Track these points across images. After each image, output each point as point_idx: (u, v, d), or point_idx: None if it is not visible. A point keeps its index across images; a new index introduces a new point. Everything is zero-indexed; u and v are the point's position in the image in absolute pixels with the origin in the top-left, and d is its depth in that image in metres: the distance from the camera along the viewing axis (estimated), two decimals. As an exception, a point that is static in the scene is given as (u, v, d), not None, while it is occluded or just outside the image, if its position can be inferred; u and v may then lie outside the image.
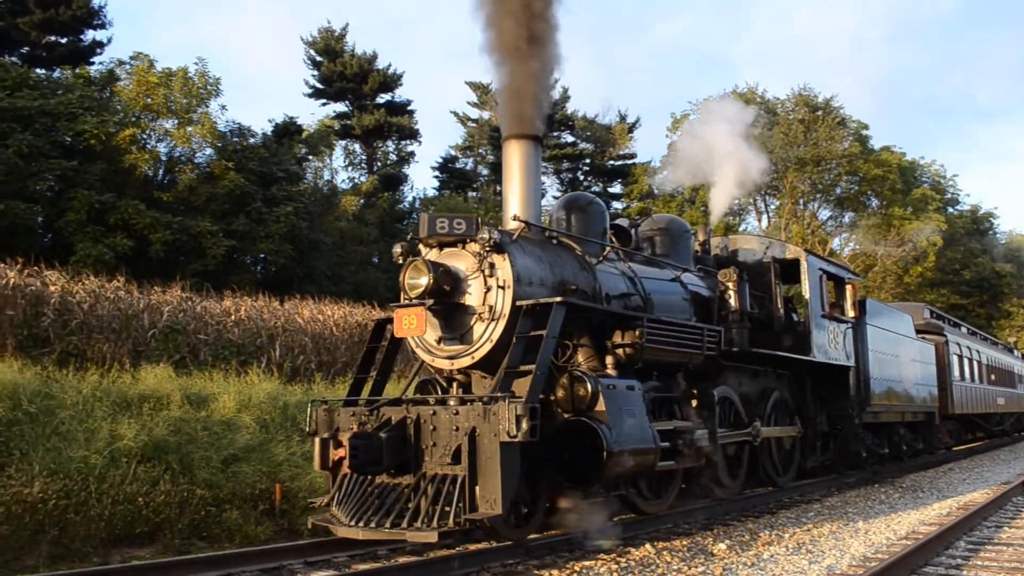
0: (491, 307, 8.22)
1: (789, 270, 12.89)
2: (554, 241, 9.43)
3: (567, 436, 8.12)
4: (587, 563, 7.86)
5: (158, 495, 9.34)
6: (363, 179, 36.12)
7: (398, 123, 34.34)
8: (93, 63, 30.12)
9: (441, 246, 8.61)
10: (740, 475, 10.97)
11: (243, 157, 28.36)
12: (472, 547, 8.38)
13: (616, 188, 39.90)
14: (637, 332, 8.74)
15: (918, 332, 18.87)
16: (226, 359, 16.93)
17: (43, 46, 29.32)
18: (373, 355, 9.16)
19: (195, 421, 11.32)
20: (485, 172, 37.44)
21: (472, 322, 8.32)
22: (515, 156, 9.19)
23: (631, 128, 42.15)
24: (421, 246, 8.72)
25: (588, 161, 40.23)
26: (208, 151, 29.40)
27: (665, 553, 8.31)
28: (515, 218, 8.83)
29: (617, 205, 37.53)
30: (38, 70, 27.84)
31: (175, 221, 25.16)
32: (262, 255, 28.88)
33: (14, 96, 24.17)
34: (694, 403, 10.01)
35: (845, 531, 9.77)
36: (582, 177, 40.12)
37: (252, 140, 30.10)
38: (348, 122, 35.63)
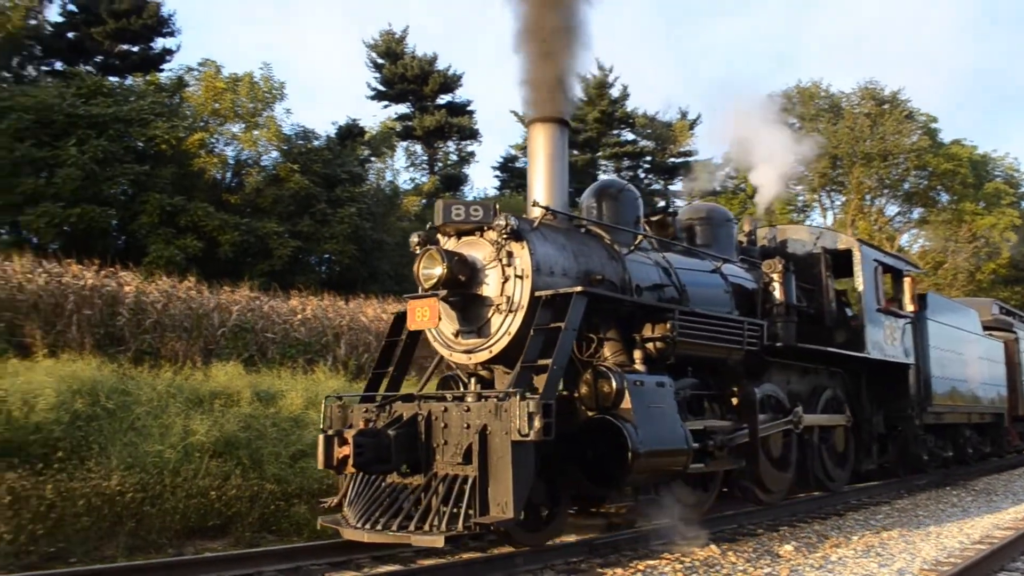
0: (509, 298, 7.57)
1: (841, 262, 11.92)
2: (582, 230, 8.73)
3: (590, 435, 7.44)
4: (651, 562, 7.55)
5: (229, 489, 9.34)
6: (424, 179, 35.75)
7: (458, 123, 33.91)
8: (163, 70, 30.33)
9: (459, 235, 7.99)
10: (786, 478, 10.08)
11: (308, 159, 28.22)
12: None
13: (677, 185, 38.99)
14: (668, 325, 7.99)
15: (985, 329, 17.57)
16: (293, 357, 16.94)
17: (116, 55, 29.56)
18: (392, 350, 8.57)
19: (264, 417, 11.28)
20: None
21: (490, 314, 7.67)
22: (540, 140, 8.52)
23: (692, 125, 41.12)
24: (439, 235, 8.10)
25: (649, 159, 39.26)
26: (274, 154, 29.35)
27: (730, 554, 7.89)
28: (535, 204, 8.15)
29: (679, 203, 36.70)
30: (111, 78, 28.08)
31: (243, 223, 25.17)
32: (326, 255, 28.68)
33: (89, 104, 24.41)
34: (734, 401, 9.20)
35: (915, 534, 9.23)
36: (643, 175, 39.20)
37: (316, 143, 29.97)
38: (409, 123, 35.32)
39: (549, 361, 6.95)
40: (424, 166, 37.43)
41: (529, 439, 6.52)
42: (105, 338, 14.70)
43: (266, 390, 12.68)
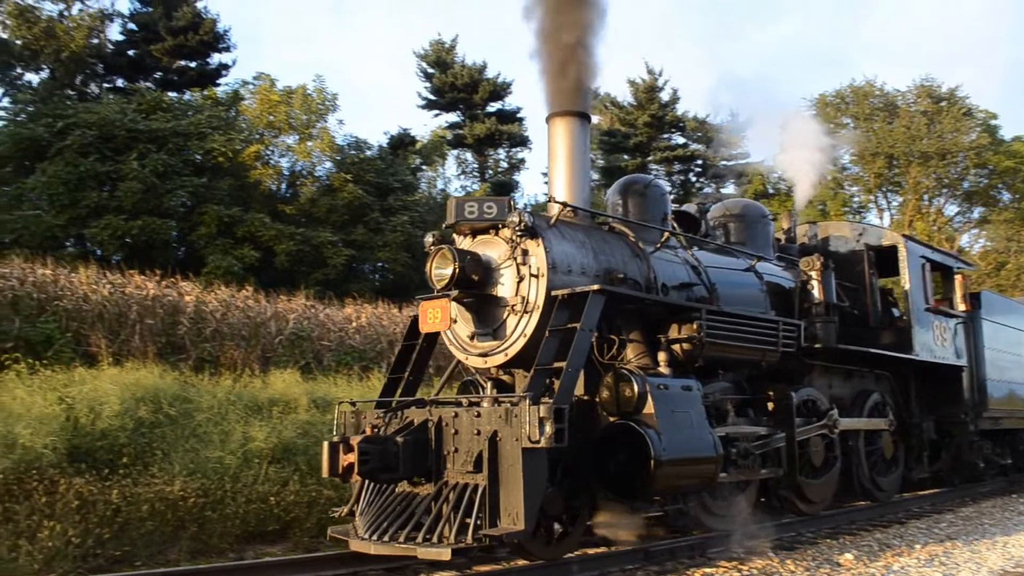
0: (524, 298, 7.08)
1: (886, 259, 11.15)
2: (605, 227, 8.22)
3: (611, 442, 6.92)
4: (708, 570, 7.28)
5: (288, 495, 9.25)
6: (475, 187, 35.44)
7: (508, 131, 33.54)
8: (219, 84, 30.54)
9: (474, 233, 7.52)
10: (828, 488, 9.38)
11: (361, 169, 28.17)
12: (592, 551, 7.76)
13: (729, 188, 38.00)
14: (695, 325, 7.43)
15: (1049, 329, 16.48)
16: (348, 364, 16.91)
17: (174, 71, 29.82)
18: (409, 354, 8.13)
19: (321, 424, 11.13)
20: (596, 176, 36.12)
21: (505, 315, 7.20)
22: (560, 135, 8.03)
23: (742, 128, 40.01)
24: (455, 235, 7.66)
25: (700, 162, 38.39)
26: (327, 164, 29.38)
27: (789, 562, 7.55)
28: (551, 200, 7.66)
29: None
30: (170, 93, 28.32)
31: (298, 232, 25.18)
32: (380, 263, 28.58)
33: (150, 119, 24.66)
34: (770, 406, 8.57)
35: (981, 543, 8.71)
36: (694, 179, 38.37)
37: (369, 153, 29.89)
38: (460, 131, 35.05)
39: (564, 364, 6.45)
40: (475, 174, 37.13)
41: (540, 446, 6.02)
42: (167, 347, 14.82)
43: (322, 397, 12.58)
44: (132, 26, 29.94)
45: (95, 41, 28.29)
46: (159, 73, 29.89)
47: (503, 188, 34.17)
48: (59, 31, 27.37)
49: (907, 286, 10.89)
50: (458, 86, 34.12)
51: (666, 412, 6.92)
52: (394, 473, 6.62)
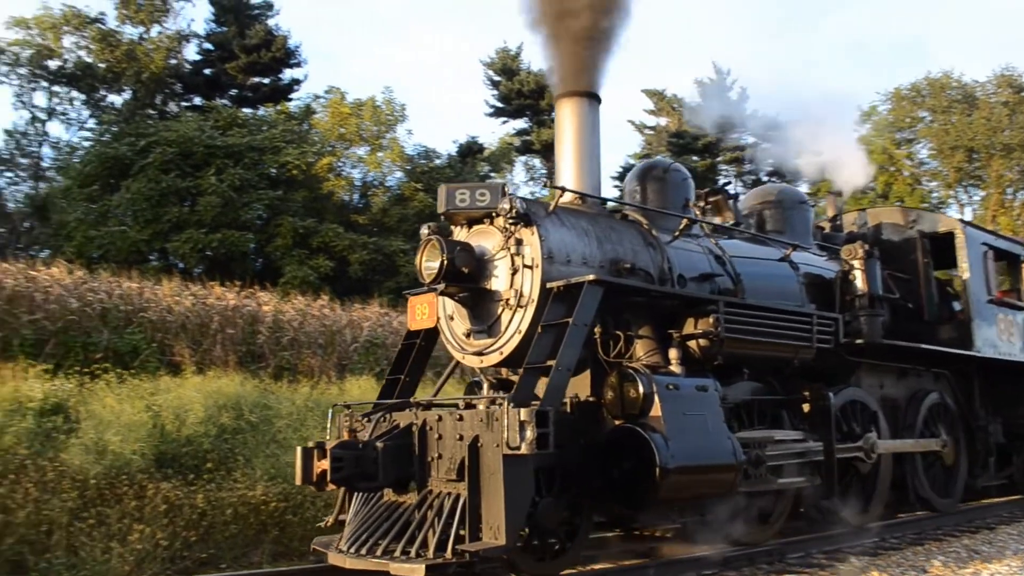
0: (518, 291, 6.29)
1: (943, 246, 9.91)
2: (617, 215, 7.38)
3: (615, 448, 6.08)
4: None
5: None
6: (544, 193, 34.81)
7: (576, 136, 32.77)
8: (292, 99, 30.56)
9: (470, 223, 6.77)
10: (874, 501, 8.25)
11: (430, 178, 27.85)
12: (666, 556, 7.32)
13: (802, 187, 36.28)
14: (711, 319, 6.51)
15: None
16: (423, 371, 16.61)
17: (248, 87, 29.97)
18: (409, 353, 7.42)
19: None
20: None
21: (499, 311, 6.42)
22: (567, 116, 7.25)
23: (815, 124, 37.99)
24: (453, 226, 6.92)
25: (771, 161, 36.79)
26: (398, 174, 29.18)
27: (873, 569, 6.95)
28: (548, 185, 6.89)
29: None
30: (245, 110, 28.46)
31: (370, 242, 25.02)
32: (453, 271, 28.06)
33: (226, 135, 24.78)
34: (806, 408, 7.55)
35: None
36: (765, 179, 36.75)
37: (438, 162, 29.53)
38: (528, 138, 34.38)
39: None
40: (543, 179, 36.40)
41: (520, 452, 5.23)
42: (247, 355, 14.77)
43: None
44: (208, 46, 30.26)
45: (173, 62, 28.67)
46: (234, 90, 30.11)
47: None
48: (139, 53, 27.80)
49: (966, 276, 9.63)
50: (524, 92, 33.46)
51: (676, 415, 6.05)
52: (373, 481, 5.91)
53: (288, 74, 30.97)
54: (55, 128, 29.83)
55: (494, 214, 6.45)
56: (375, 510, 6.12)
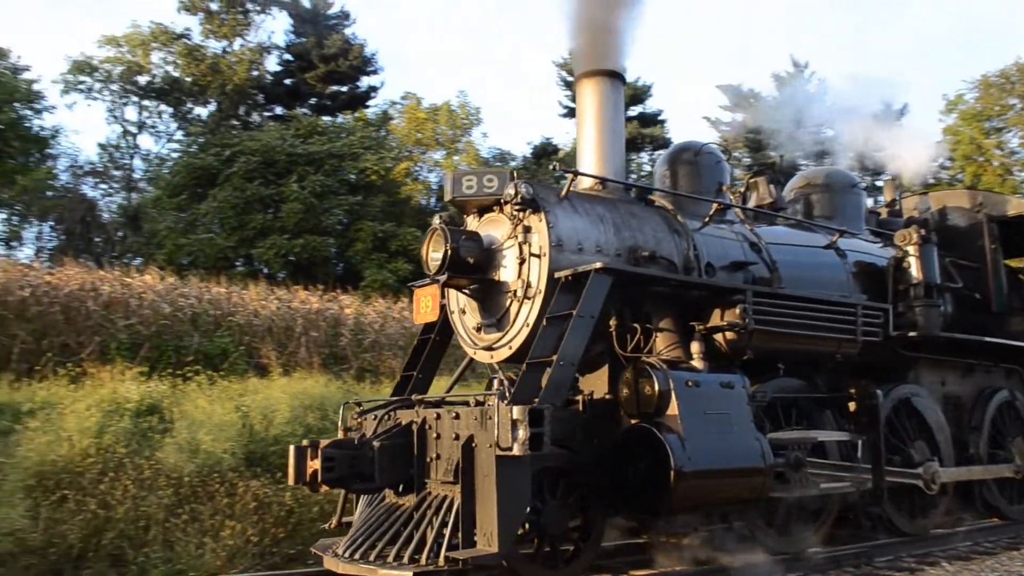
0: (526, 282, 5.80)
1: (1014, 232, 8.88)
2: (642, 201, 6.80)
3: (629, 449, 5.53)
4: None
5: None
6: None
7: (650, 134, 31.74)
8: (369, 106, 30.66)
9: (481, 211, 6.30)
10: (932, 513, 7.39)
11: (506, 181, 27.34)
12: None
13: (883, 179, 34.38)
14: (738, 310, 5.88)
15: None
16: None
17: (327, 96, 30.18)
18: (423, 349, 7.00)
19: None
20: (740, 175, 33.71)
21: (508, 303, 5.93)
22: (588, 97, 6.74)
23: (898, 115, 36.31)
24: (466, 215, 6.47)
25: (851, 155, 34.95)
26: (474, 177, 28.75)
27: (966, 574, 6.55)
28: (555, 168, 6.34)
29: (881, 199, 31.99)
30: (325, 118, 28.62)
31: (448, 245, 24.63)
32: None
33: (307, 143, 24.94)
34: (852, 407, 6.80)
35: None
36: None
37: (513, 164, 29.09)
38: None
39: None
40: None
41: (512, 453, 4.74)
42: (330, 357, 14.72)
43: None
44: (288, 56, 30.59)
45: (255, 73, 29.07)
46: (314, 99, 30.38)
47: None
48: (223, 66, 28.29)
49: (1040, 262, 8.64)
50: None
51: (695, 413, 5.48)
52: (370, 482, 5.49)
53: (365, 81, 31.14)
54: (145, 141, 30.74)
55: (502, 201, 5.96)
56: (375, 512, 5.71)
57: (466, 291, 6.18)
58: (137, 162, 29.97)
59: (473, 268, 5.93)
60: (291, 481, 5.58)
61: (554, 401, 5.13)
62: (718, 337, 6.01)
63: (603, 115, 6.68)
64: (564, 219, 5.89)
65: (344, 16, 31.03)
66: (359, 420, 6.08)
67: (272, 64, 30.81)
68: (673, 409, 5.44)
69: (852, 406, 6.75)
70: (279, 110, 29.93)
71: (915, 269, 7.31)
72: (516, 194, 5.73)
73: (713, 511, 5.85)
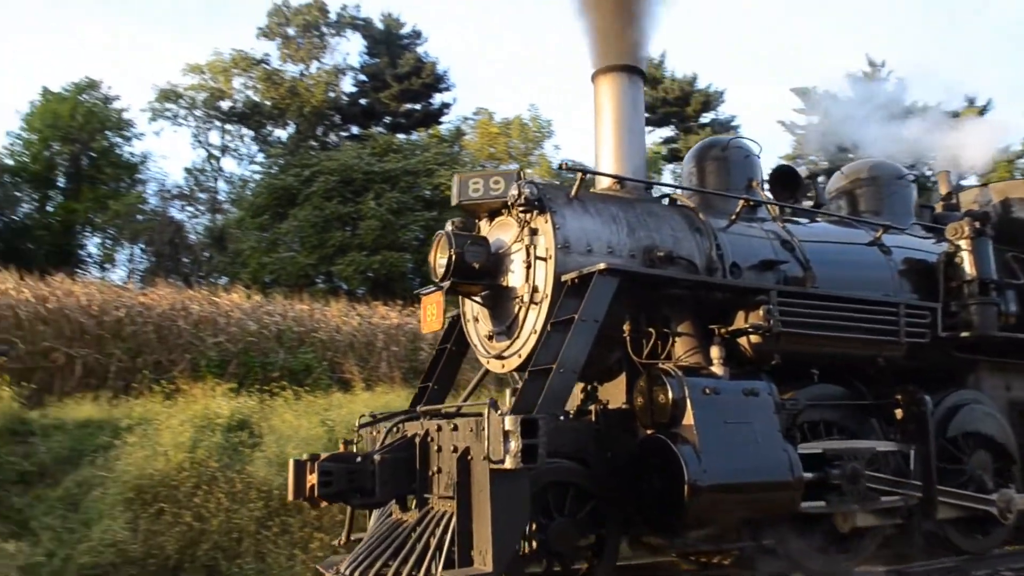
0: (533, 286, 5.47)
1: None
2: (665, 199, 6.40)
3: (644, 462, 5.14)
4: None
5: None
6: (696, 201, 32.90)
7: (725, 141, 31.04)
8: (442, 122, 30.77)
9: (492, 215, 6.01)
10: (995, 532, 6.68)
11: (580, 192, 27.00)
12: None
13: (970, 180, 32.48)
14: (761, 312, 5.41)
15: None
16: None
17: (402, 114, 30.43)
18: (441, 358, 6.73)
19: None
20: (820, 179, 32.33)
21: (516, 309, 5.61)
22: (605, 94, 6.39)
23: (982, 112, 34.22)
24: (478, 220, 6.19)
25: (933, 155, 33.15)
26: (548, 190, 28.48)
27: None
28: (564, 168, 6.00)
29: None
30: (399, 136, 28.82)
31: (524, 259, 24.45)
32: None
33: (383, 161, 25.16)
34: (899, 414, 6.20)
35: None
36: (929, 172, 33.34)
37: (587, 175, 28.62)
38: (675, 145, 32.97)
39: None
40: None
41: (504, 466, 4.41)
42: (410, 371, 14.70)
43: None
44: (362, 77, 31.03)
45: (332, 95, 29.54)
46: (388, 117, 30.67)
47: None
48: (301, 89, 28.84)
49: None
50: (670, 100, 32.14)
51: (713, 423, 5.04)
52: (370, 497, 5.23)
53: (438, 98, 31.33)
54: (228, 164, 31.74)
55: (509, 203, 5.65)
56: (379, 529, 5.46)
57: (476, 299, 5.88)
58: (221, 184, 30.89)
59: (480, 273, 5.63)
60: (290, 496, 5.35)
61: (554, 411, 4.79)
62: (742, 341, 5.56)
63: (621, 112, 6.32)
64: (572, 220, 5.54)
65: (416, 35, 31.32)
66: (359, 434, 5.82)
67: (347, 85, 31.35)
68: (689, 419, 5.02)
69: (899, 414, 6.14)
70: (355, 130, 30.35)
71: (968, 264, 6.63)
72: (520, 195, 5.41)
73: (742, 528, 5.39)
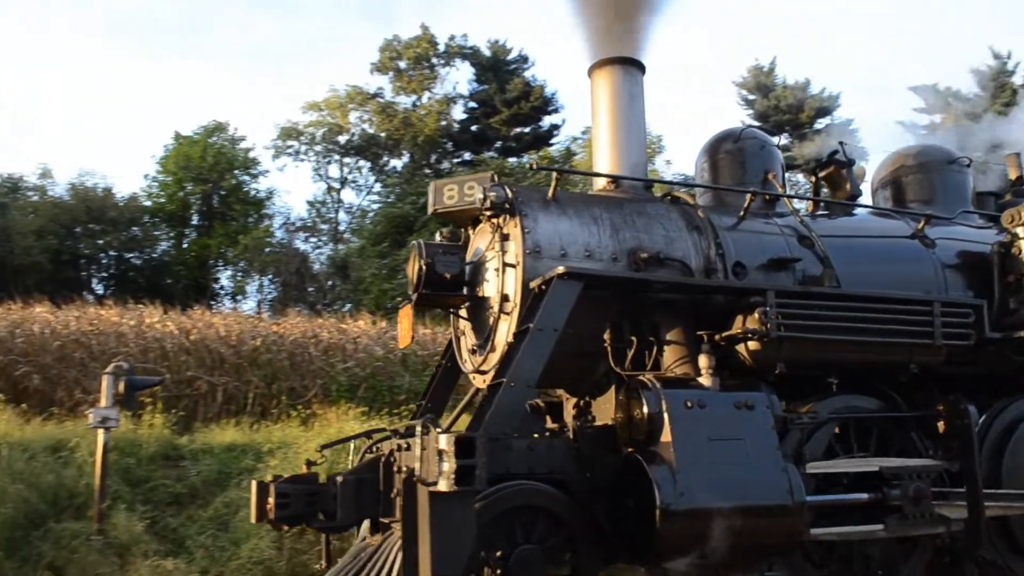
0: (504, 296, 5.04)
1: None
2: (667, 197, 5.83)
3: (621, 483, 4.61)
4: None
5: None
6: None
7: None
8: (552, 144, 30.38)
9: (475, 223, 5.63)
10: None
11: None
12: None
13: None
14: (757, 315, 4.77)
15: None
16: None
17: (512, 138, 30.25)
18: (439, 374, 6.35)
19: None
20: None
21: (491, 320, 5.19)
22: (601, 90, 5.95)
23: None
24: (460, 228, 5.83)
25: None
26: (662, 206, 27.68)
27: None
28: (533, 167, 5.55)
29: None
30: (510, 159, 28.70)
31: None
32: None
33: (496, 185, 25.06)
34: (940, 427, 5.34)
35: None
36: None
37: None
38: (790, 154, 31.30)
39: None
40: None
41: (438, 489, 4.01)
42: None
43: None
44: (472, 104, 31.08)
45: (443, 123, 29.77)
46: (499, 142, 30.59)
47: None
48: (414, 119, 29.23)
49: None
50: (782, 108, 30.59)
51: (694, 440, 4.46)
52: (331, 520, 4.91)
53: (547, 120, 31.01)
54: (348, 195, 32.50)
55: (480, 208, 5.25)
56: (350, 553, 5.12)
57: (455, 310, 5.50)
58: (342, 215, 31.61)
59: (453, 284, 5.24)
60: (253, 518, 5.09)
61: (503, 428, 4.34)
62: (740, 349, 4.91)
63: (617, 108, 5.83)
64: (546, 223, 5.08)
65: (523, 60, 31.22)
66: (322, 454, 5.51)
67: (458, 113, 31.57)
68: (666, 435, 4.44)
69: (941, 427, 5.28)
70: (467, 156, 30.47)
71: (1027, 256, 5.67)
72: (485, 199, 5.01)
73: (743, 558, 4.72)
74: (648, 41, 6.04)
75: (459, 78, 36.40)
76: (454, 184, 5.43)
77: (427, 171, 29.18)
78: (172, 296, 21.30)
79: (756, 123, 32.70)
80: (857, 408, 5.25)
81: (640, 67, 5.95)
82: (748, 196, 5.56)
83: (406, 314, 5.58)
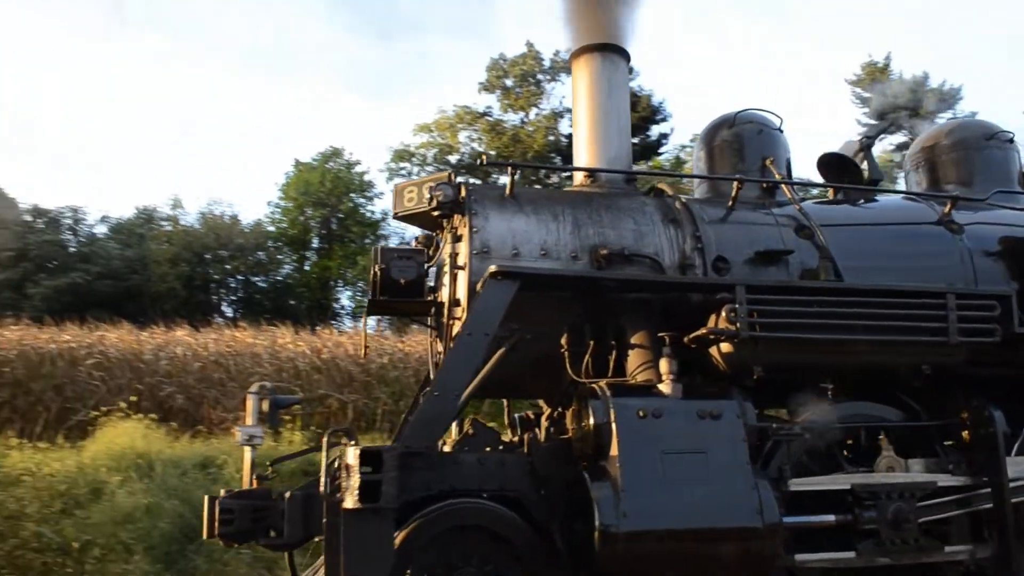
0: (454, 300, 4.67)
1: None
2: (651, 191, 5.30)
3: (571, 503, 4.14)
4: None
5: None
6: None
7: (967, 140, 26.84)
8: (661, 153, 29.43)
9: (443, 224, 5.27)
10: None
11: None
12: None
13: None
14: (724, 313, 4.19)
15: None
16: None
17: (621, 149, 29.61)
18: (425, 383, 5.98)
19: None
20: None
21: (448, 326, 4.81)
22: (581, 79, 5.53)
23: None
24: (435, 232, 5.48)
25: None
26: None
27: None
28: (481, 163, 5.09)
29: None
30: (620, 171, 28.06)
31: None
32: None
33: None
34: (965, 436, 4.52)
35: None
36: None
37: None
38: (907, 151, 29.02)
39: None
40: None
41: (347, 505, 3.69)
42: None
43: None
44: (579, 116, 30.63)
45: (551, 138, 29.34)
46: (610, 154, 30.01)
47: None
48: (522, 136, 28.98)
49: None
50: (899, 104, 28.51)
51: (644, 454, 3.97)
52: (279, 537, 4.63)
53: (655, 130, 30.02)
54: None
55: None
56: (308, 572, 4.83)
57: (418, 317, 5.16)
58: (456, 236, 31.67)
59: (410, 290, 4.89)
60: (204, 534, 4.86)
61: (426, 441, 3.95)
62: (713, 351, 4.31)
63: (596, 96, 5.39)
64: (499, 221, 4.67)
65: (628, 71, 30.50)
66: (273, 468, 5.23)
67: (565, 127, 31.09)
68: (614, 448, 3.93)
69: (966, 437, 4.47)
70: (578, 168, 30.05)
71: (1073, 239, 4.74)
72: (431, 199, 4.65)
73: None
74: (632, 27, 5.55)
75: (565, 92, 36.05)
76: (414, 187, 5.10)
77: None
78: (296, 317, 21.84)
79: (873, 121, 30.72)
80: (857, 417, 4.51)
81: (624, 55, 5.45)
82: (735, 184, 4.93)
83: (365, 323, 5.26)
